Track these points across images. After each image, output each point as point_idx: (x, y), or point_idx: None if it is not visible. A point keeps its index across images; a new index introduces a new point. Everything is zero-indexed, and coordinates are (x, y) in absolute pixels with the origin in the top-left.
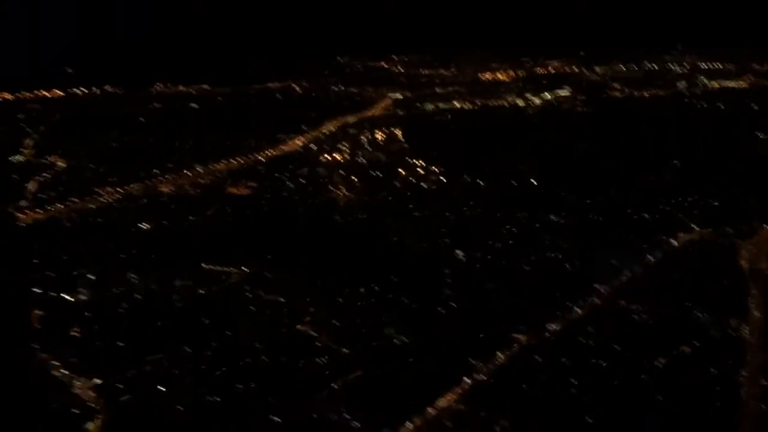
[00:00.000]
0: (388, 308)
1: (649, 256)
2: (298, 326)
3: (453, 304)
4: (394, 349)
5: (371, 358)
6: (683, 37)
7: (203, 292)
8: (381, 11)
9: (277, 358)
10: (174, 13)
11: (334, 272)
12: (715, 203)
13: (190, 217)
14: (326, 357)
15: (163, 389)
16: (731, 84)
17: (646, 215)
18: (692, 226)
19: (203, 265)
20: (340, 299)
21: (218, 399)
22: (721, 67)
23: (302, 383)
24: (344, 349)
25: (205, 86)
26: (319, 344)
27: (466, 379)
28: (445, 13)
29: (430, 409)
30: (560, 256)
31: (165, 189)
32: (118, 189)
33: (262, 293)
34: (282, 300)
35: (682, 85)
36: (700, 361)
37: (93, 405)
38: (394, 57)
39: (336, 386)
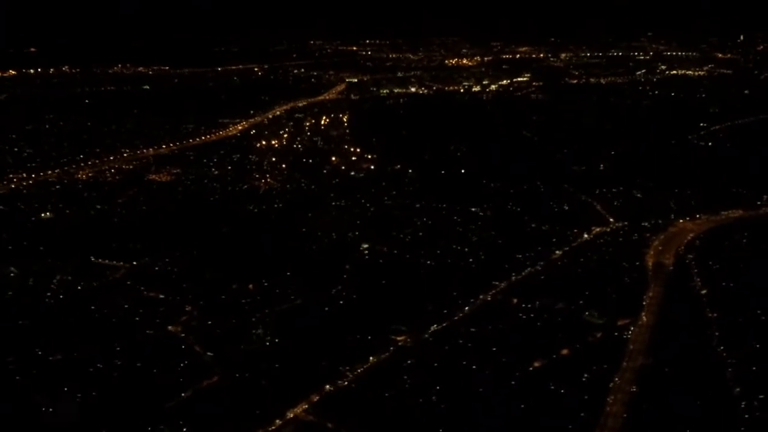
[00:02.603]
0: (271, 306)
1: (556, 251)
2: (170, 327)
3: (341, 302)
4: (260, 353)
5: (232, 363)
6: (655, 26)
7: (80, 288)
8: None
9: (132, 364)
10: None
11: (227, 265)
12: (639, 195)
13: (98, 206)
14: (186, 362)
15: None
16: (690, 72)
17: (566, 207)
18: (609, 219)
19: (92, 258)
20: (224, 296)
21: (51, 410)
22: (684, 55)
23: (150, 392)
24: (208, 353)
25: (166, 68)
26: (184, 347)
27: (327, 386)
28: None
29: (277, 421)
30: (466, 250)
31: (82, 175)
32: (33, 175)
33: (143, 289)
34: (161, 297)
35: (640, 72)
36: (576, 364)
37: None
38: (367, 41)
39: (185, 396)
